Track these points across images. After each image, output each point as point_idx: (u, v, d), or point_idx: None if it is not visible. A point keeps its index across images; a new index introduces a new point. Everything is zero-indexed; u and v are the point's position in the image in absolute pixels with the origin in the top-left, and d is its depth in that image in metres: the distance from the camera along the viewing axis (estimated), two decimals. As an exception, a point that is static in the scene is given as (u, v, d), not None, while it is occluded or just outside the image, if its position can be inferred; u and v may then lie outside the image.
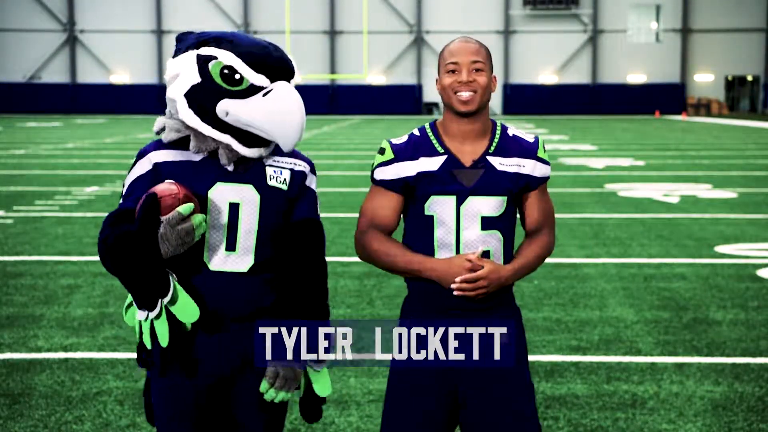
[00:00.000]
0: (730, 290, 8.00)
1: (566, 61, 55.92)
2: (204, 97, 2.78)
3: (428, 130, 3.06)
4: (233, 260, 2.84)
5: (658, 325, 6.88)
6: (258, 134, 2.79)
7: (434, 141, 3.03)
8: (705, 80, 56.12)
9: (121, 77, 56.40)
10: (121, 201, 2.85)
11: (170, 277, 2.74)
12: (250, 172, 2.85)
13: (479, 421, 3.00)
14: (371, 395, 5.30)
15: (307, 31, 55.39)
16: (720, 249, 9.98)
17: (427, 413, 3.01)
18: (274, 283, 2.92)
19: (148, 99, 55.45)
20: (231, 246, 2.83)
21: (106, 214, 2.84)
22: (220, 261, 2.83)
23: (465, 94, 2.96)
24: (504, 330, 2.98)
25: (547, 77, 55.95)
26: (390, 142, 3.08)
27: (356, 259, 9.29)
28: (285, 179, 2.90)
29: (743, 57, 55.78)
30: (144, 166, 2.85)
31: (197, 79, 2.78)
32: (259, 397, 2.93)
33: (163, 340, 2.78)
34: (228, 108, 2.76)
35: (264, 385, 2.85)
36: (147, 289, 2.70)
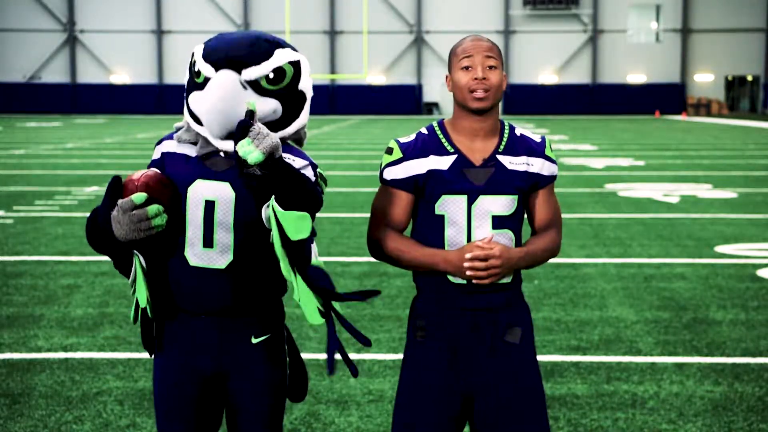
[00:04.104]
0: (730, 290, 8.00)
1: (566, 61, 55.94)
2: (187, 92, 2.90)
3: (437, 129, 3.05)
4: (211, 256, 2.87)
5: (658, 325, 6.88)
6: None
7: (443, 140, 3.02)
8: (705, 80, 56.14)
9: (121, 77, 56.42)
10: None
11: (135, 260, 2.83)
12: (231, 169, 2.86)
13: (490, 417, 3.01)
14: (371, 395, 5.30)
15: (307, 31, 55.41)
16: (720, 249, 9.98)
17: (441, 411, 3.01)
18: (255, 282, 2.92)
19: (148, 99, 55.47)
20: (208, 243, 2.86)
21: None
22: (199, 257, 2.87)
23: (480, 92, 2.95)
24: (518, 330, 3.01)
25: (547, 77, 55.96)
26: (398, 141, 3.06)
27: (356, 258, 9.28)
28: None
29: (743, 57, 55.79)
30: (156, 153, 2.98)
31: (188, 75, 2.92)
32: (255, 395, 2.94)
33: (142, 301, 2.86)
34: (189, 100, 2.86)
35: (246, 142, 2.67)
36: (117, 266, 2.88)
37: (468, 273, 2.89)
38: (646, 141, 29.96)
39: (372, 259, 9.15)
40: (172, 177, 2.88)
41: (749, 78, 56.97)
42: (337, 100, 56.24)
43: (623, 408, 5.14)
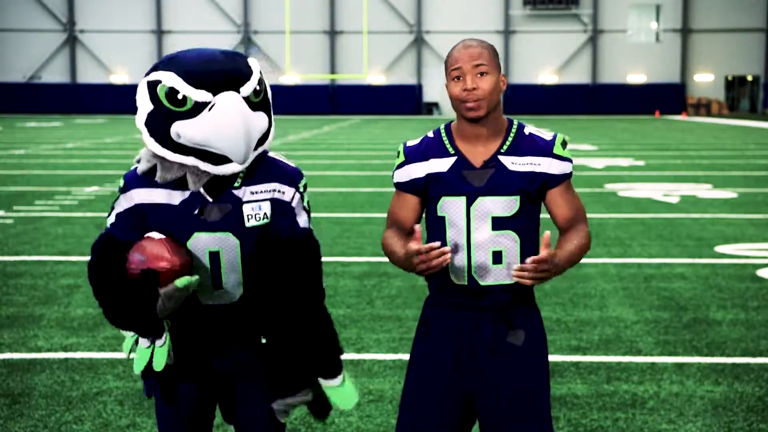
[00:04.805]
0: (730, 290, 8.00)
1: (566, 61, 55.94)
2: (158, 123, 2.73)
3: (442, 132, 3.06)
4: (222, 295, 2.84)
5: (658, 325, 6.88)
6: (214, 152, 2.70)
7: (446, 142, 3.03)
8: (705, 80, 56.14)
9: (121, 77, 56.42)
10: (108, 223, 2.86)
11: (164, 324, 2.78)
12: (228, 216, 2.79)
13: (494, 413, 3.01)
14: (371, 395, 5.30)
15: (307, 31, 55.40)
16: (720, 249, 9.98)
17: (444, 410, 3.02)
18: (268, 304, 2.89)
19: (148, 99, 55.40)
20: (217, 285, 2.83)
21: (105, 215, 2.86)
22: (210, 298, 2.85)
23: (471, 103, 2.94)
24: (521, 332, 3.01)
25: (547, 77, 55.95)
26: (404, 145, 3.10)
27: (356, 258, 9.28)
28: (265, 213, 2.82)
29: (743, 57, 55.79)
30: (128, 201, 2.83)
31: (150, 107, 2.75)
32: (258, 397, 2.94)
33: (159, 365, 2.81)
34: (179, 130, 2.69)
35: (278, 416, 2.90)
36: (140, 333, 2.78)
37: (514, 275, 2.85)
38: (646, 141, 29.96)
39: (372, 259, 9.16)
40: (164, 231, 2.79)
41: (749, 78, 56.96)
42: (337, 100, 56.23)
43: (623, 408, 5.14)
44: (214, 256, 2.80)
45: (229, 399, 2.98)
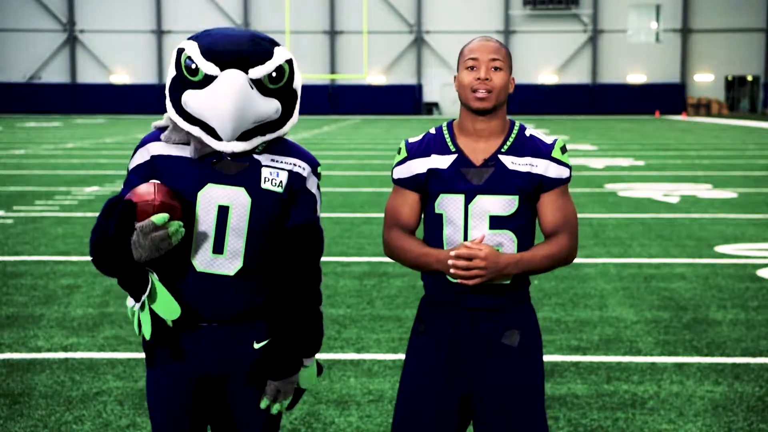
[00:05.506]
0: (730, 290, 8.00)
1: (566, 61, 55.94)
2: (176, 89, 2.81)
3: (444, 129, 3.08)
4: (220, 263, 2.81)
5: (658, 325, 6.88)
6: (210, 125, 2.75)
7: (448, 139, 3.04)
8: (705, 80, 56.15)
9: (121, 77, 56.42)
10: (122, 188, 2.90)
11: (149, 276, 2.75)
12: (244, 173, 2.81)
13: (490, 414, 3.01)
14: (371, 395, 5.30)
15: (307, 31, 55.41)
16: (720, 249, 9.98)
17: (439, 410, 3.02)
18: (264, 287, 2.88)
19: (148, 99, 55.46)
20: (218, 248, 2.80)
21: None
22: (206, 263, 2.81)
23: (481, 92, 2.96)
24: (516, 333, 3.00)
25: (547, 77, 55.95)
26: (406, 141, 3.11)
27: (356, 258, 9.28)
28: (281, 181, 2.84)
29: (743, 57, 55.80)
30: (143, 155, 2.87)
31: (174, 72, 2.83)
32: (254, 397, 2.93)
33: (146, 332, 2.80)
34: (186, 98, 2.76)
35: (264, 402, 2.89)
36: (127, 285, 2.76)
37: (451, 270, 2.89)
38: (646, 141, 29.96)
39: (372, 259, 9.15)
40: (176, 182, 2.79)
41: (749, 78, 56.97)
42: (337, 100, 56.24)
43: (623, 408, 5.14)
44: (223, 212, 2.79)
45: (225, 399, 2.97)
